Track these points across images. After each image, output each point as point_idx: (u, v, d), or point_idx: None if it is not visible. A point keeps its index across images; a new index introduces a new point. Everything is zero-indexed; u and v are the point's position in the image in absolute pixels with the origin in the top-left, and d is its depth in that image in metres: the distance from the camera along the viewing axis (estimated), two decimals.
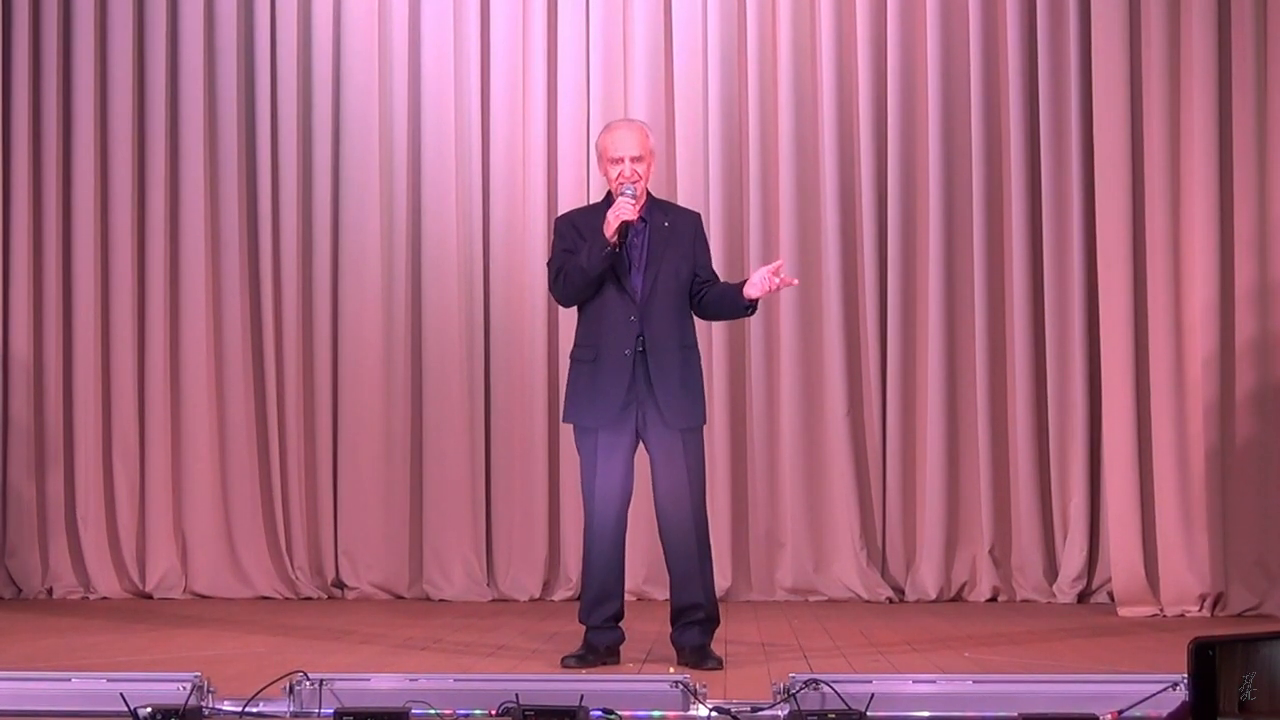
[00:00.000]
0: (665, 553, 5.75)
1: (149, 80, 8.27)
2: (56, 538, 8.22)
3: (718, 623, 5.75)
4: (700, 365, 5.77)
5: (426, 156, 8.27)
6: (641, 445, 5.70)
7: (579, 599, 5.82)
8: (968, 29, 8.00)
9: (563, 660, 5.63)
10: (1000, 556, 7.96)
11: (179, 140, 8.27)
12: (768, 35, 8.15)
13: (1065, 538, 7.85)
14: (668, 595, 5.82)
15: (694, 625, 5.67)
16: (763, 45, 8.15)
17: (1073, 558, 7.80)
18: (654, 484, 5.70)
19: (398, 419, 8.18)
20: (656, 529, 5.76)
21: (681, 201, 8.05)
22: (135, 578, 8.23)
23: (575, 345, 5.74)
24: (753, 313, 5.79)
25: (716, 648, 5.75)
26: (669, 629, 5.76)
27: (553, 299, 6.06)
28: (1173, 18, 7.37)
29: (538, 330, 8.19)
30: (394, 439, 8.19)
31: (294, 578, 8.17)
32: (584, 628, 5.74)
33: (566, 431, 8.07)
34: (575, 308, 5.77)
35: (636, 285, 5.61)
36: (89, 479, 8.21)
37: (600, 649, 5.67)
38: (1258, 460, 7.37)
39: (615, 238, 5.54)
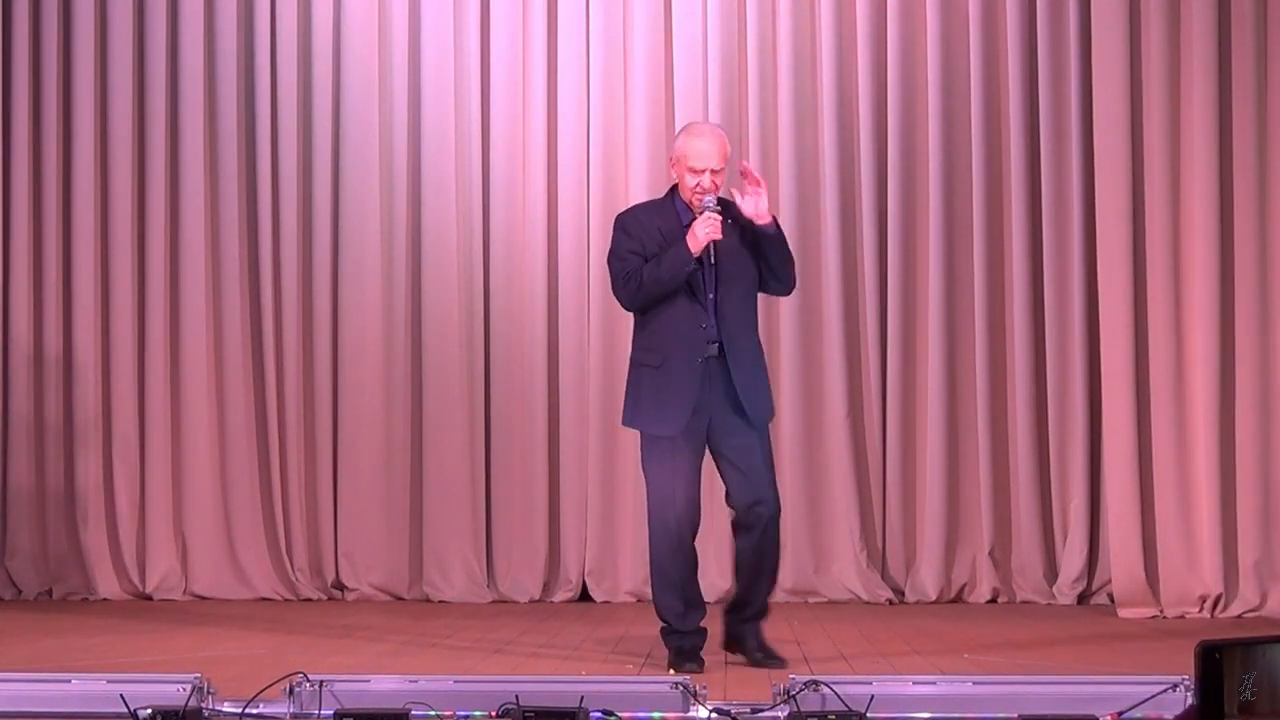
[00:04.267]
0: (746, 547, 5.65)
1: (149, 81, 8.25)
2: (56, 539, 8.21)
3: None
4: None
5: (426, 157, 8.26)
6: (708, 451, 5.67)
7: (662, 605, 5.67)
8: (968, 29, 7.99)
9: (677, 667, 5.46)
10: (1000, 558, 7.96)
11: (179, 141, 8.25)
12: (768, 35, 8.15)
13: (1065, 539, 7.84)
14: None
15: (754, 620, 5.69)
16: (763, 45, 8.14)
17: (1073, 559, 7.80)
18: (730, 483, 5.64)
19: (398, 420, 8.18)
20: (731, 525, 5.72)
21: None
22: (135, 579, 8.22)
23: (638, 349, 5.67)
24: (774, 231, 5.62)
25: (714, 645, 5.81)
26: (723, 618, 5.76)
27: (612, 299, 5.86)
28: (1173, 18, 7.36)
29: (538, 330, 8.18)
30: (394, 440, 8.18)
31: (294, 579, 8.16)
32: (668, 632, 5.66)
33: (567, 432, 8.11)
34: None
35: (710, 292, 5.55)
36: (89, 480, 8.21)
37: (696, 650, 5.60)
38: (1258, 461, 7.36)
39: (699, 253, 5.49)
